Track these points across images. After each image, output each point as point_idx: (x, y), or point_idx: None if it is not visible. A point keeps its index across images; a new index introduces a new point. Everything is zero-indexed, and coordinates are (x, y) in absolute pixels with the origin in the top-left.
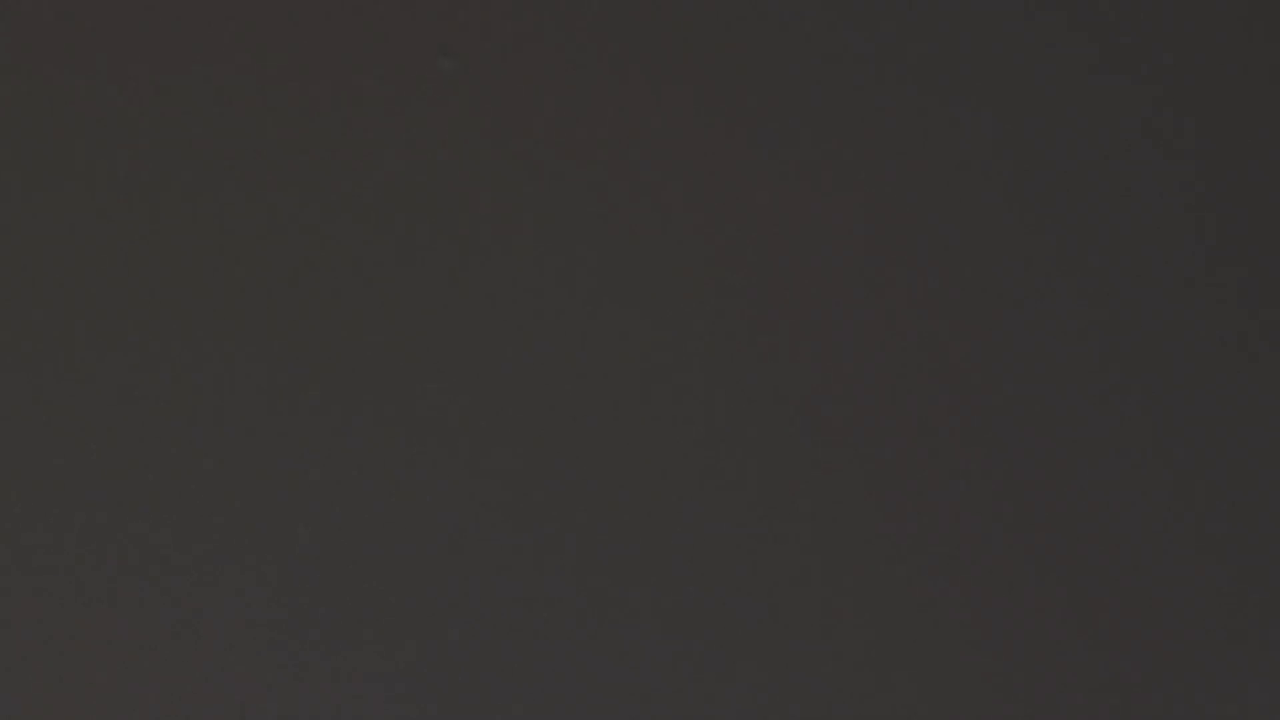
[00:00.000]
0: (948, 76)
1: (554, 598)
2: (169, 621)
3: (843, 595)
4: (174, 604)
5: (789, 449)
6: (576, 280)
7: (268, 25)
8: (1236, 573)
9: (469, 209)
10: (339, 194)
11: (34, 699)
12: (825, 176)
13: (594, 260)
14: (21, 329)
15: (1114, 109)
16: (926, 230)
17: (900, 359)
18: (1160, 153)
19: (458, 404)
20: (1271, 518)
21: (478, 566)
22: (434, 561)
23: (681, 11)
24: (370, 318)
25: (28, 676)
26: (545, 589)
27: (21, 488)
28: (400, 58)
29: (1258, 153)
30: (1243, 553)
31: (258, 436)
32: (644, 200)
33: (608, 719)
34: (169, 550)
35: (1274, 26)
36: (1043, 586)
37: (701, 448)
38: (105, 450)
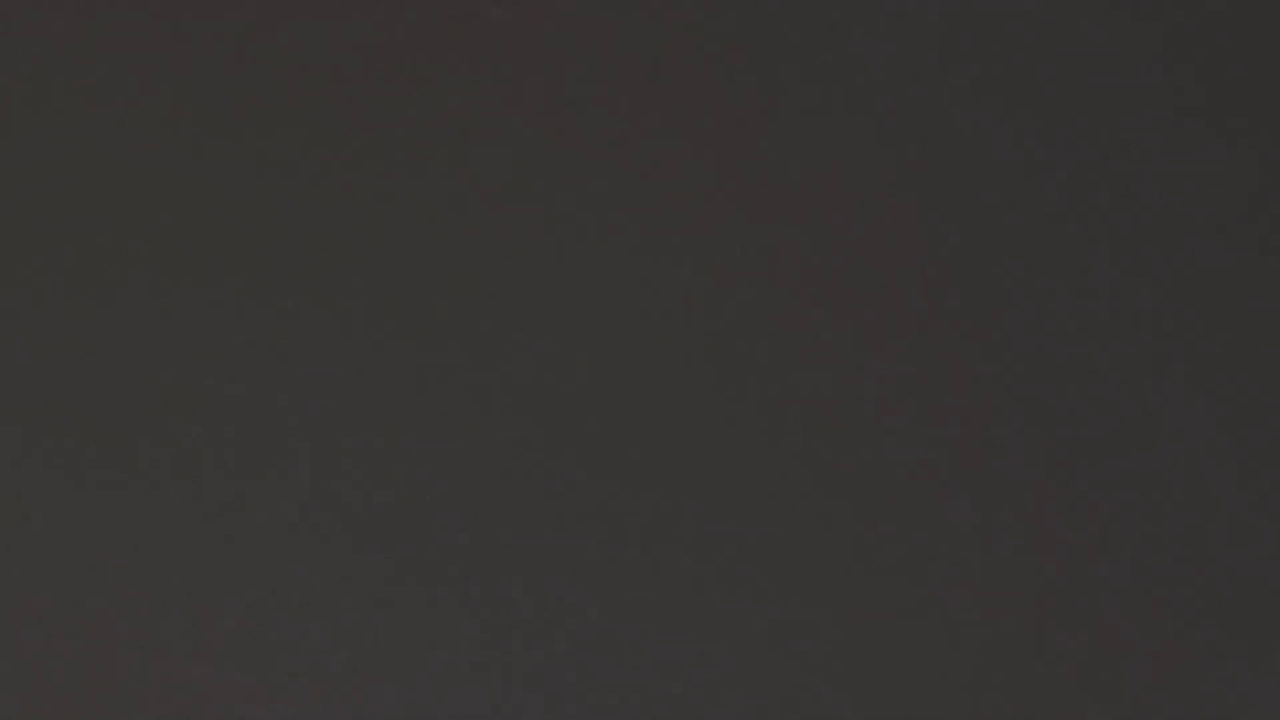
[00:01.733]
0: (957, 74)
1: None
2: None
3: (855, 596)
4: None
5: (798, 443)
6: (639, 226)
7: None
8: (1238, 572)
9: (515, 162)
10: (375, 146)
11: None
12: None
13: (644, 213)
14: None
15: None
16: (928, 230)
17: (904, 359)
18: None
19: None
20: (1272, 515)
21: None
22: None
23: None
24: (398, 281)
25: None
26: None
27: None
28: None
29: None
30: (1244, 553)
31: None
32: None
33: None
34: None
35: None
36: (1047, 586)
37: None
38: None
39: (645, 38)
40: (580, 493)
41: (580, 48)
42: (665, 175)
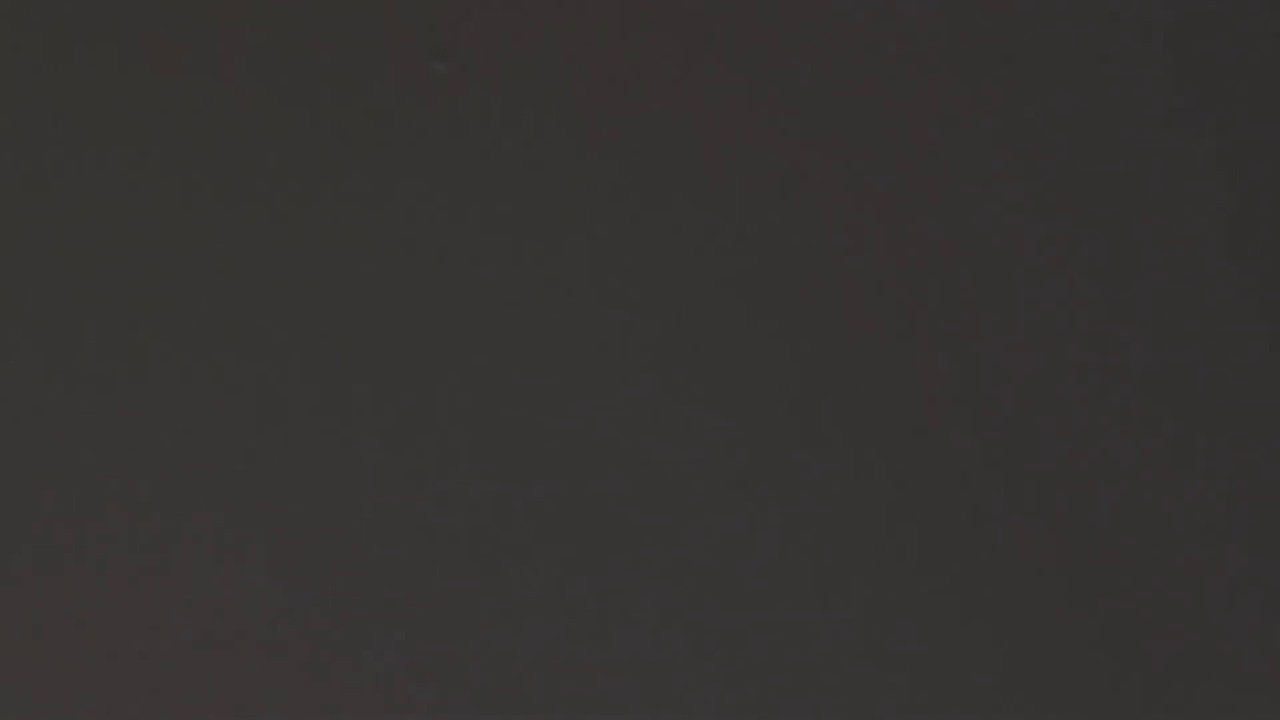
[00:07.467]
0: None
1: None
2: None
3: (857, 600)
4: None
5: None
6: (572, 286)
7: (262, 24)
8: (1239, 571)
9: (462, 215)
10: (330, 199)
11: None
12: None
13: (590, 264)
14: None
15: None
16: (930, 231)
17: (906, 361)
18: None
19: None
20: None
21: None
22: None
23: (678, 14)
24: (379, 316)
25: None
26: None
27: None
28: (393, 61)
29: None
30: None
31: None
32: (638, 205)
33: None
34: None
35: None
36: (1051, 587)
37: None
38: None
39: (586, 94)
40: (582, 500)
41: (524, 103)
42: (609, 225)
